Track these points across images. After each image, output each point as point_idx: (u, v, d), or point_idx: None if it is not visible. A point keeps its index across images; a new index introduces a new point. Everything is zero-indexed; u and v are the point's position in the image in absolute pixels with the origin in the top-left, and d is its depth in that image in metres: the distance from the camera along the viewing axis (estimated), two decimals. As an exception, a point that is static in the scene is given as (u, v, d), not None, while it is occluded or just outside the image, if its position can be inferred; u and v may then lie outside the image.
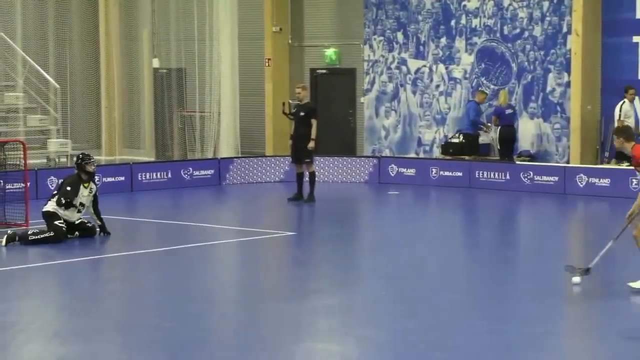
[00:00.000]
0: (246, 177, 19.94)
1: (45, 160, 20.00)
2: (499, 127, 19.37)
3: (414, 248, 13.32)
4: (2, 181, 14.52)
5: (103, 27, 22.86)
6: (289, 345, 8.55)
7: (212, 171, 19.60)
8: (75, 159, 13.51)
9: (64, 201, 13.01)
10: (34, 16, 21.45)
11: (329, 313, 9.66)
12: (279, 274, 12.02)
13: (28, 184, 14.77)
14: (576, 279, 10.23)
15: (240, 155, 20.85)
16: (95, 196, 13.39)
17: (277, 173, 20.12)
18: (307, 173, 17.05)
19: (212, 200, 18.42)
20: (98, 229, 13.42)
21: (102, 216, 13.49)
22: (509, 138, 19.29)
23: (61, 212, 13.02)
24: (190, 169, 19.45)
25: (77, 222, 13.25)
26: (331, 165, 20.15)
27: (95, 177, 13.81)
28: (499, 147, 19.45)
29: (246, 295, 10.63)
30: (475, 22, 20.27)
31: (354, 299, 10.25)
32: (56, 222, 12.93)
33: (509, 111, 19.35)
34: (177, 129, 22.33)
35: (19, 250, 12.64)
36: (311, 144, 16.67)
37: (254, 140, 22.12)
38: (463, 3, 20.38)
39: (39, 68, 20.78)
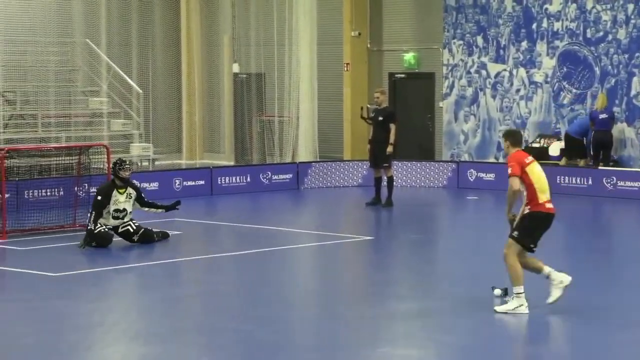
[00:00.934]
0: (324, 181, 19.98)
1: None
2: (593, 132, 18.83)
3: (494, 254, 13.16)
4: (86, 184, 14.83)
5: (184, 33, 23.19)
6: (367, 349, 8.54)
7: (291, 175, 19.71)
8: (113, 164, 13.49)
9: (94, 213, 12.99)
10: (118, 23, 21.88)
11: (407, 318, 9.61)
12: (357, 279, 12.01)
13: (111, 187, 15.01)
14: (497, 292, 10.07)
15: (318, 160, 20.91)
16: (139, 197, 13.40)
17: (355, 177, 20.12)
18: (385, 177, 17.01)
19: (290, 204, 18.51)
20: (168, 212, 13.44)
21: (158, 204, 13.56)
22: (601, 143, 18.72)
23: (101, 220, 13.11)
24: (269, 173, 19.58)
25: (121, 229, 13.23)
26: (409, 169, 20.07)
27: (134, 181, 13.84)
28: (592, 152, 18.97)
29: (324, 299, 10.64)
30: (557, 25, 19.98)
31: (433, 304, 10.18)
32: (99, 228, 12.97)
33: (602, 116, 18.74)
34: (256, 134, 22.52)
35: (102, 253, 12.89)
36: (389, 149, 16.63)
37: (332, 145, 22.16)
38: (545, 6, 20.10)
39: (122, 73, 21.18)
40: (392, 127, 16.76)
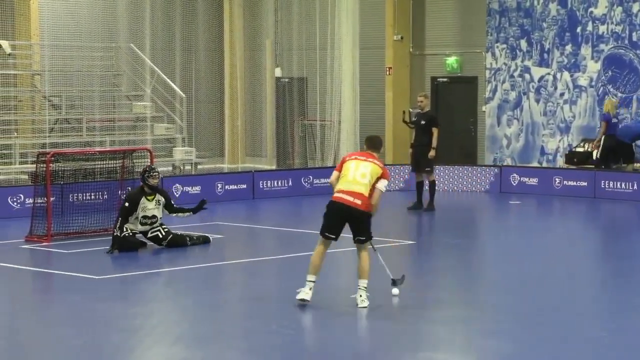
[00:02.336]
0: (366, 185, 19.93)
1: (170, 168, 20.51)
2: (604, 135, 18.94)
3: (537, 259, 13.07)
4: (129, 188, 14.94)
5: (227, 37, 23.33)
6: (408, 355, 8.51)
7: (333, 179, 19.68)
8: (142, 171, 13.54)
9: (120, 219, 13.12)
10: (161, 28, 22.06)
11: (449, 323, 9.57)
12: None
13: (154, 190, 15.12)
14: (395, 291, 10.32)
15: (360, 164, 20.86)
16: (168, 204, 13.44)
17: (396, 182, 20.07)
18: (427, 182, 16.95)
19: (332, 208, 18.49)
20: (196, 214, 13.52)
21: (185, 208, 13.59)
22: (608, 147, 18.74)
23: (130, 225, 13.20)
24: (311, 177, 19.60)
25: (150, 234, 13.30)
26: (452, 174, 19.98)
27: (161, 187, 13.86)
28: (598, 155, 18.97)
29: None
30: (602, 28, 19.77)
31: (475, 309, 10.12)
32: (125, 233, 13.07)
33: (614, 120, 18.89)
34: (298, 138, 22.56)
35: (144, 256, 12.99)
36: (431, 153, 16.57)
37: (374, 149, 22.11)
38: (590, 9, 19.91)
39: (165, 78, 21.34)
40: (435, 131, 16.70)
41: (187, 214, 13.63)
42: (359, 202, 9.85)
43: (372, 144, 10.22)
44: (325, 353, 8.56)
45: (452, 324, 9.52)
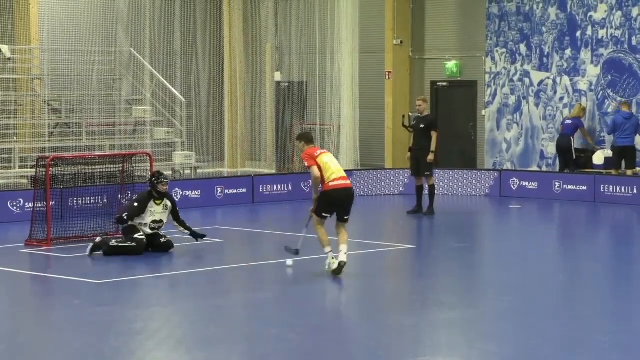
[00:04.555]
0: (365, 189, 19.96)
1: (170, 172, 20.50)
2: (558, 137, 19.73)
3: (537, 263, 13.07)
4: (129, 192, 14.94)
5: (227, 41, 23.34)
6: (408, 358, 8.50)
7: (332, 184, 19.69)
8: (151, 176, 13.61)
9: (125, 217, 13.16)
10: (161, 32, 22.07)
11: (449, 326, 9.56)
12: (399, 287, 11.97)
13: (154, 195, 15.11)
14: (289, 262, 11.80)
15: (359, 168, 20.90)
16: (174, 210, 13.52)
17: (396, 186, 20.07)
18: (426, 186, 16.95)
19: (332, 212, 18.49)
20: (191, 237, 13.53)
21: (187, 225, 13.61)
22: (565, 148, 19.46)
23: (138, 225, 13.20)
24: (310, 181, 19.56)
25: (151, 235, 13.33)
26: (451, 178, 19.98)
27: (169, 193, 13.87)
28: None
29: (366, 307, 10.62)
30: (602, 32, 19.79)
31: (476, 312, 10.12)
32: (136, 235, 13.11)
33: (567, 122, 19.49)
34: (297, 142, 22.52)
35: (144, 261, 12.98)
36: (430, 157, 16.58)
37: (374, 153, 22.14)
38: (589, 14, 19.93)
39: (165, 82, 21.35)
40: (434, 135, 16.71)
41: (186, 231, 13.62)
42: (349, 182, 11.82)
43: (309, 139, 12.06)
44: (325, 357, 8.56)
45: (453, 327, 9.52)
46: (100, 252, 13.04)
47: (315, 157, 11.63)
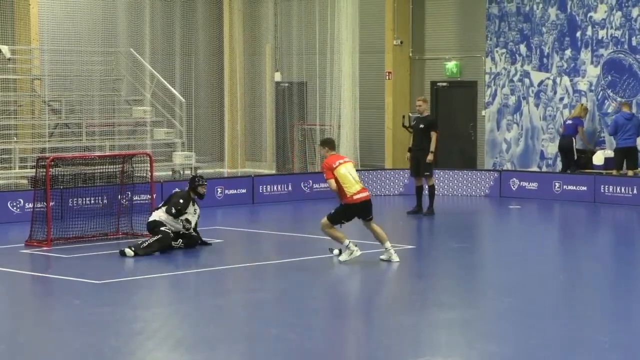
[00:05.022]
0: (366, 190, 19.93)
1: (170, 173, 20.51)
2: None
3: (537, 263, 13.07)
4: (129, 193, 14.95)
5: (227, 42, 23.34)
6: (409, 358, 8.50)
7: (332, 184, 19.67)
8: (192, 177, 13.86)
9: (174, 210, 13.33)
10: (161, 32, 22.06)
11: (449, 326, 9.56)
12: (399, 287, 11.98)
13: (154, 195, 15.16)
14: (336, 251, 12.71)
15: (360, 168, 20.88)
16: (198, 216, 13.72)
17: (396, 186, 20.07)
18: (426, 186, 16.95)
19: (332, 212, 18.48)
20: (199, 241, 13.74)
21: (198, 232, 13.78)
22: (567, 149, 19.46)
23: (168, 220, 13.32)
24: (310, 181, 19.59)
25: (181, 232, 13.52)
26: (451, 178, 19.98)
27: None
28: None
29: (366, 308, 10.62)
30: (601, 33, 19.79)
31: (476, 312, 10.12)
32: (162, 228, 13.24)
33: (568, 122, 19.48)
34: (297, 142, 22.56)
35: (145, 261, 12.98)
36: (430, 157, 16.58)
37: (374, 153, 22.14)
38: (589, 14, 19.93)
39: (165, 82, 21.35)
40: (433, 135, 16.71)
41: (194, 235, 13.71)
42: (368, 193, 12.61)
43: (333, 146, 12.90)
44: (325, 357, 8.56)
45: (453, 328, 9.52)
46: (134, 254, 13.01)
47: (334, 168, 12.31)
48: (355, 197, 12.32)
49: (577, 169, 19.47)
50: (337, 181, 12.26)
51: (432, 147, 16.61)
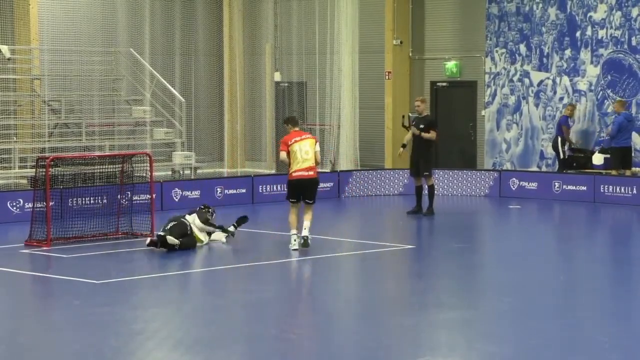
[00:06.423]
0: (365, 189, 19.97)
1: (170, 173, 20.51)
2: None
3: (537, 263, 13.07)
4: (129, 192, 14.95)
5: (227, 42, 23.34)
6: (409, 358, 8.50)
7: (331, 184, 19.71)
8: (201, 210, 14.17)
9: (211, 210, 14.08)
10: (161, 32, 22.07)
11: (449, 327, 9.56)
12: (398, 287, 11.97)
13: (154, 195, 15.16)
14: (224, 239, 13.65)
15: (359, 168, 20.90)
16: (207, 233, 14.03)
17: (396, 186, 20.07)
18: (426, 186, 16.95)
19: (331, 212, 18.49)
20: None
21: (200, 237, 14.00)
22: (554, 148, 19.75)
23: (198, 225, 13.65)
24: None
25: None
26: (451, 178, 19.98)
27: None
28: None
29: (366, 307, 10.62)
30: (601, 33, 19.79)
31: (476, 313, 10.12)
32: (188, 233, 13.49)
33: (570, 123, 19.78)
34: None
35: (145, 261, 12.99)
36: (415, 130, 16.51)
37: (374, 153, 22.14)
38: (589, 14, 19.94)
39: (165, 82, 21.35)
40: (433, 133, 16.71)
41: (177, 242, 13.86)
42: (311, 172, 13.07)
43: (295, 122, 13.46)
44: (325, 357, 8.56)
45: (453, 327, 9.52)
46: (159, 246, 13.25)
47: (289, 145, 13.02)
48: (294, 174, 12.96)
49: (565, 169, 19.42)
50: (289, 156, 12.94)
51: (429, 136, 16.53)
